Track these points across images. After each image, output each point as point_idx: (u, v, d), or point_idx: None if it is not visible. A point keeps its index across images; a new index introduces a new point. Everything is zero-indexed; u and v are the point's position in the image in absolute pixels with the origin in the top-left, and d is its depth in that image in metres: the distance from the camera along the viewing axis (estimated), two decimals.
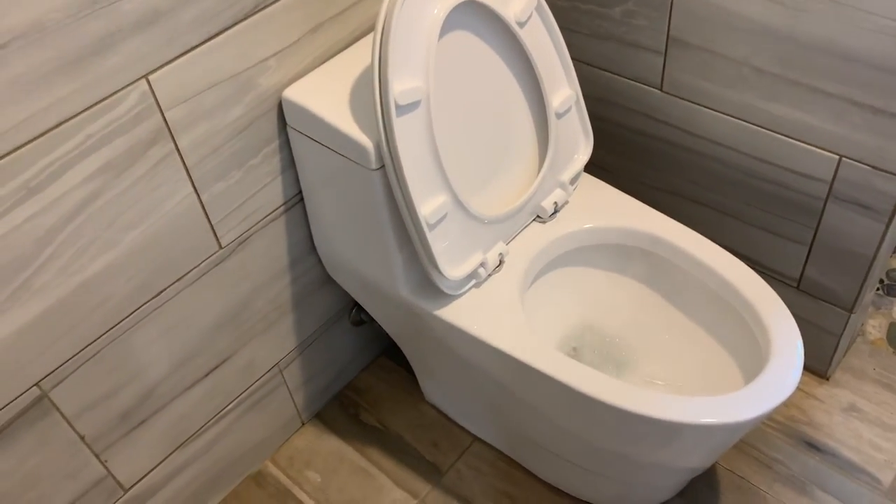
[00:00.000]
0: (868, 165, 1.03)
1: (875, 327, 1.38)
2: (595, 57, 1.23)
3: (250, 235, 1.05)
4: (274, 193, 1.05)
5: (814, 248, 1.17)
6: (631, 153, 1.30)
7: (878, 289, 1.45)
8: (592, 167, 1.35)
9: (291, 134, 1.00)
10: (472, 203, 1.00)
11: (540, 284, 1.13)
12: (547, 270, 1.13)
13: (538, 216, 1.11)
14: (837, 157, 1.05)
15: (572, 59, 1.25)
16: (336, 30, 1.01)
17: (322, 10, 0.98)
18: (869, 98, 0.98)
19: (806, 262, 1.19)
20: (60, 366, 0.91)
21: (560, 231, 1.11)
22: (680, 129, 1.20)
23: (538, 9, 1.00)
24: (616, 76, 1.22)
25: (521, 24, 0.98)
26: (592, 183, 1.16)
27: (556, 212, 1.12)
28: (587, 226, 1.11)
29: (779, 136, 1.09)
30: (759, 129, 1.11)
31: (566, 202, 1.13)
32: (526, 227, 1.11)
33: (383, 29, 0.85)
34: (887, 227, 1.07)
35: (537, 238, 1.10)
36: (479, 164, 1.02)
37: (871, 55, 0.94)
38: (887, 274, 1.48)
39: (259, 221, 1.05)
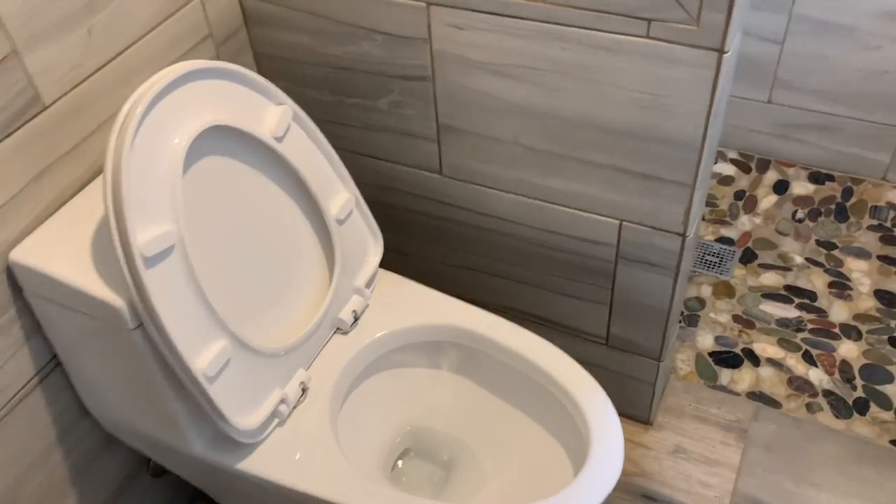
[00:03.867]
0: (647, 226, 1.05)
1: (684, 361, 1.44)
2: (372, 148, 1.18)
3: (1, 418, 0.89)
4: (21, 366, 0.89)
5: (613, 307, 1.18)
6: (425, 236, 1.26)
7: (679, 321, 1.51)
8: (393, 254, 1.30)
9: (30, 299, 0.86)
10: (259, 339, 0.90)
11: (355, 398, 1.05)
12: (360, 381, 1.05)
13: (339, 328, 1.04)
14: (618, 221, 1.07)
15: (349, 152, 1.20)
16: (68, 171, 0.88)
17: (45, 152, 0.85)
18: (635, 165, 1.00)
19: (609, 320, 1.20)
20: None
21: (364, 339, 1.04)
22: (467, 209, 1.18)
23: (296, 118, 0.93)
24: (396, 164, 1.18)
25: (280, 139, 0.91)
26: (391, 280, 1.10)
27: (356, 320, 1.05)
28: (392, 328, 1.05)
29: (562, 207, 1.09)
30: (543, 202, 1.10)
31: (366, 307, 1.06)
32: (327, 343, 1.03)
33: (113, 172, 0.75)
34: (675, 280, 1.10)
35: (341, 352, 1.02)
36: (262, 294, 0.93)
37: (628, 126, 0.96)
38: (685, 304, 1.55)
39: (9, 401, 0.89)
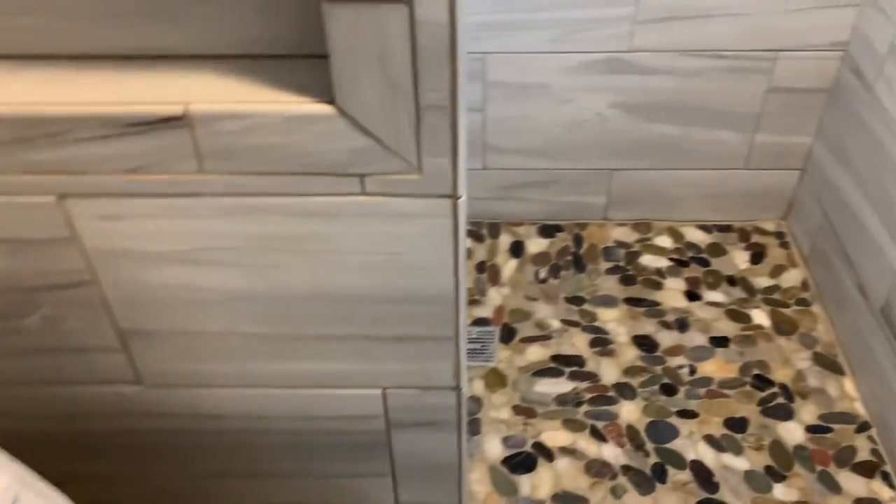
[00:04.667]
0: (415, 388, 0.88)
1: (479, 481, 1.29)
2: (39, 375, 0.87)
3: None
4: None
5: (397, 476, 0.99)
6: (148, 457, 0.97)
7: None
8: (121, 483, 0.99)
9: None
10: None
11: None
12: None
13: None
14: (381, 390, 0.88)
15: (7, 385, 0.88)
16: None
17: None
18: (385, 330, 0.82)
19: (396, 490, 1.02)
20: None
21: None
22: (190, 416, 0.92)
23: None
24: (79, 387, 0.88)
25: None
26: None
27: None
28: None
29: (311, 390, 0.88)
30: (285, 389, 0.88)
31: None
32: None
33: None
34: (459, 433, 0.94)
35: None
36: None
37: (367, 291, 0.78)
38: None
39: None
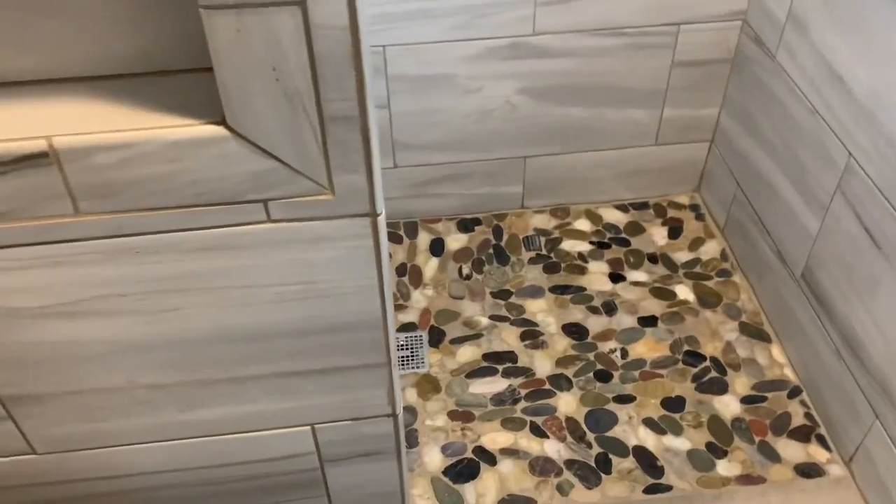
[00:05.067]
0: (347, 420, 0.81)
1: (421, 496, 1.24)
2: None
3: None
4: None
5: None
6: None
7: None
8: None
9: None
10: None
11: None
12: None
13: None
14: (309, 426, 0.81)
15: None
16: None
17: None
18: (306, 364, 0.74)
19: None
20: None
21: None
22: (99, 478, 0.82)
23: None
24: None
25: None
26: None
27: None
28: None
29: (231, 436, 0.80)
30: (202, 438, 0.80)
31: None
32: None
33: None
34: (399, 460, 0.88)
35: None
36: None
37: (283, 325, 0.70)
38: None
39: None
